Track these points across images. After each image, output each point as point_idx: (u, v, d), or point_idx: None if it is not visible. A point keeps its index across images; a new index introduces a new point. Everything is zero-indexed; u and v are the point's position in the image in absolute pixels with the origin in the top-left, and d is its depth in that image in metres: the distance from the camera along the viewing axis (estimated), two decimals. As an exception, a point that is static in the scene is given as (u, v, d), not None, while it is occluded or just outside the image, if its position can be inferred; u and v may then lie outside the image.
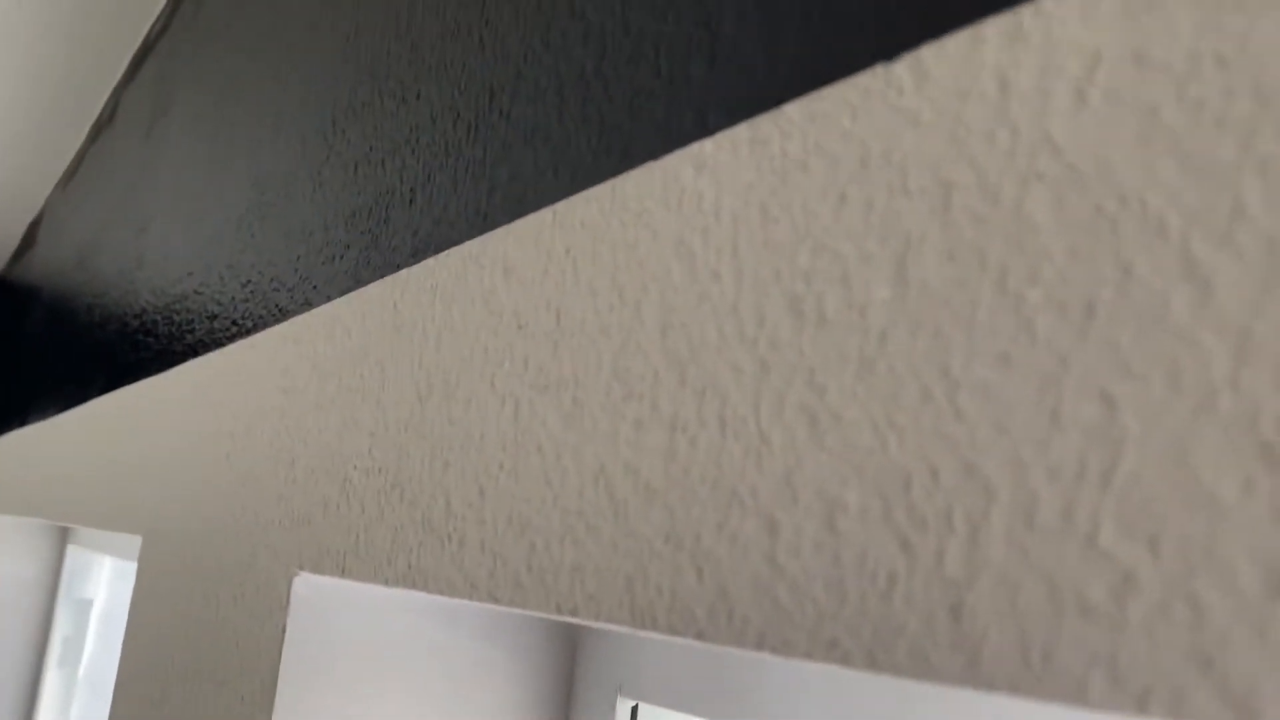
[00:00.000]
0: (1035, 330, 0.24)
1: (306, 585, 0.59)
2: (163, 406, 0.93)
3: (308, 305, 0.67)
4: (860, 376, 0.28)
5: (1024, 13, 0.26)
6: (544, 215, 0.44)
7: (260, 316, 0.74)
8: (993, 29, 0.27)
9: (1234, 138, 0.21)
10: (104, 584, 2.08)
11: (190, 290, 0.94)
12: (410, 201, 0.56)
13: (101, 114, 1.72)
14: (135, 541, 1.76)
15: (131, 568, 1.89)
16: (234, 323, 0.80)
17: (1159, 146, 0.23)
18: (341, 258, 0.63)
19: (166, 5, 1.37)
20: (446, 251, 0.51)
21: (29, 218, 2.36)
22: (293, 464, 0.63)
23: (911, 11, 0.29)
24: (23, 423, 1.78)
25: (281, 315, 0.71)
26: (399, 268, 0.56)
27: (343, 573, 0.53)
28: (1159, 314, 0.22)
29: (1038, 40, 0.26)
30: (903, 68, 0.29)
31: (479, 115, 0.52)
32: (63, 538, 2.16)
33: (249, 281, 0.79)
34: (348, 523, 0.54)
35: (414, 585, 0.46)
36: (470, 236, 0.50)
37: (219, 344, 0.82)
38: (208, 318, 0.87)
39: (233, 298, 0.82)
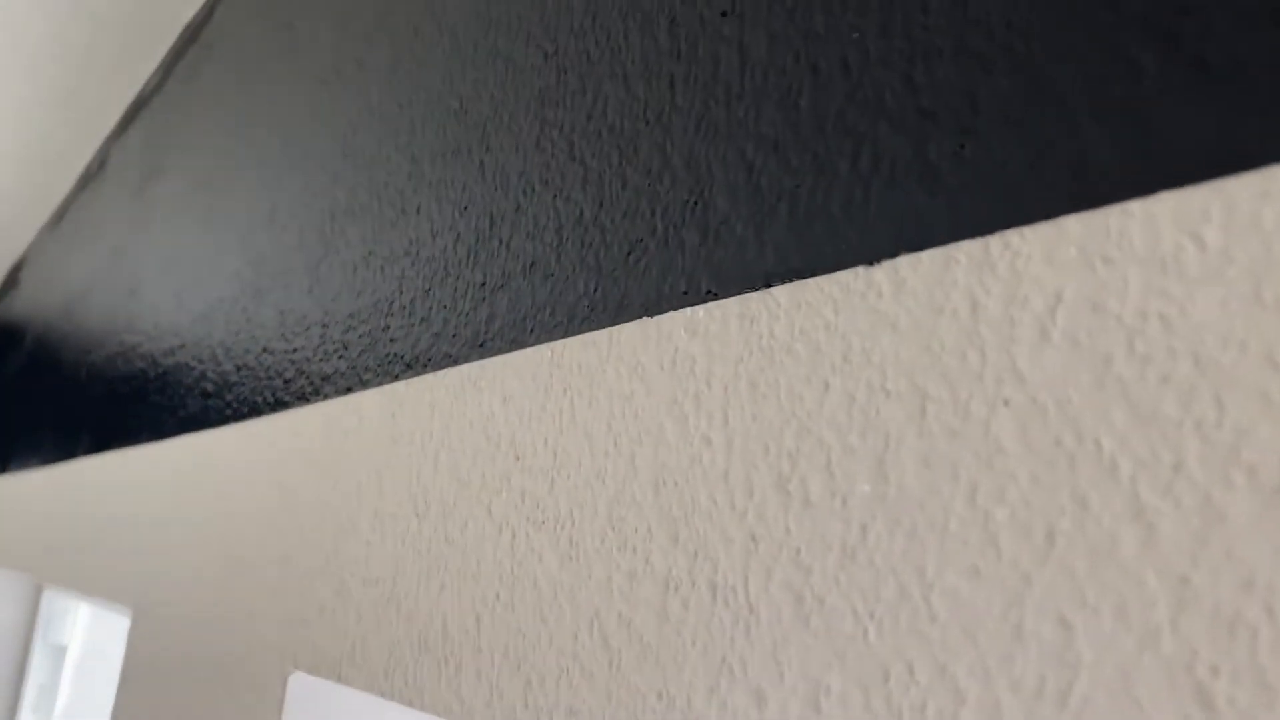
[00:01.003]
0: (1000, 548, 0.27)
1: (302, 685, 0.60)
2: (154, 478, 0.94)
3: (304, 400, 0.68)
4: (843, 564, 0.30)
5: (991, 243, 0.29)
6: (543, 351, 0.46)
7: (255, 404, 0.76)
8: (964, 252, 0.29)
9: (1175, 395, 0.24)
10: (79, 630, 2.07)
11: (184, 363, 0.96)
12: (409, 313, 0.58)
13: (90, 164, 1.74)
14: (113, 587, 1.75)
15: (108, 615, 1.89)
16: (229, 405, 0.81)
17: (1112, 392, 0.25)
18: (340, 357, 0.65)
19: (160, 66, 1.39)
20: (445, 370, 0.53)
21: (11, 259, 2.36)
22: (287, 561, 0.64)
23: (890, 222, 0.32)
24: (1, 470, 1.78)
25: (278, 406, 0.72)
26: (397, 377, 0.58)
27: (339, 678, 0.55)
28: (1110, 550, 0.24)
29: (1004, 271, 0.28)
30: (881, 273, 0.32)
31: (479, 239, 0.54)
32: (39, 585, 2.15)
33: (244, 366, 0.80)
34: (344, 628, 0.56)
35: (410, 703, 0.48)
36: (468, 358, 0.52)
37: (213, 423, 0.84)
38: (202, 395, 0.88)
39: (227, 380, 0.83)
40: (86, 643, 2.04)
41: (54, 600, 2.10)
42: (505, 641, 0.43)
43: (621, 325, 0.42)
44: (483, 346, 0.51)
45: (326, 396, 0.66)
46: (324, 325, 0.69)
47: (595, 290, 0.44)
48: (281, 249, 0.79)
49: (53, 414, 1.51)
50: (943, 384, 0.29)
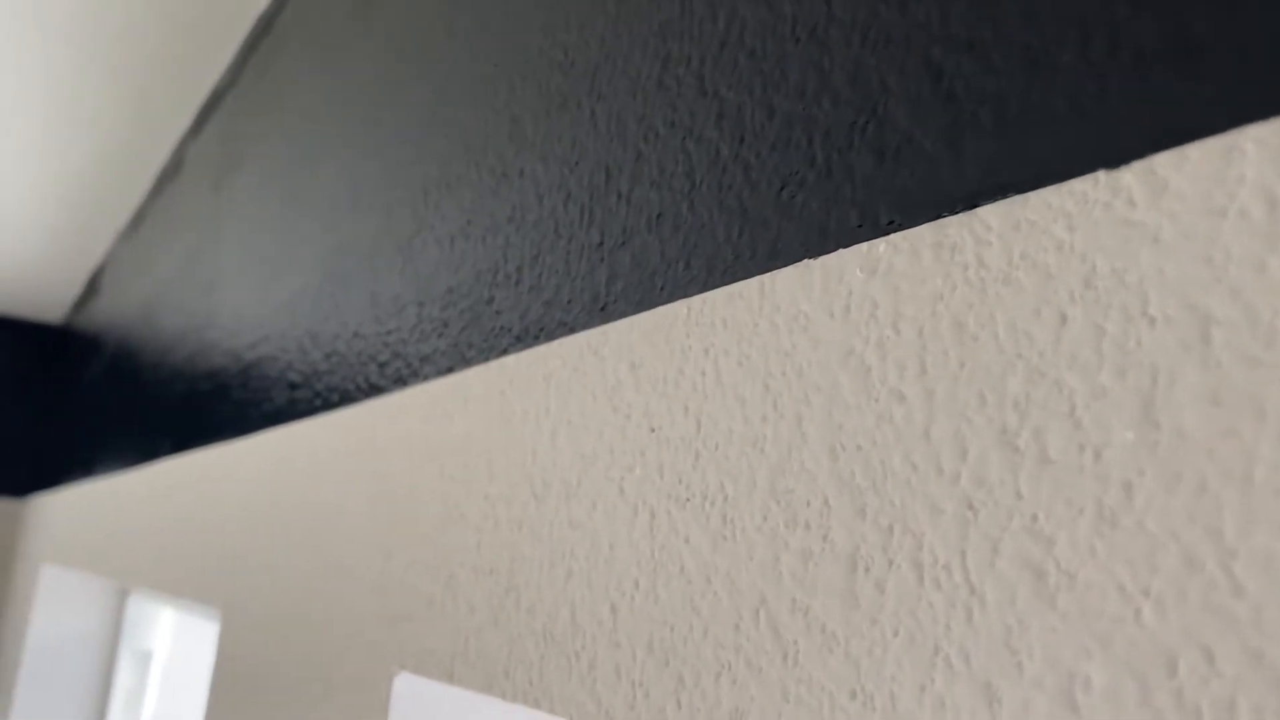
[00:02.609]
0: (1344, 500, 0.21)
1: (409, 687, 0.56)
2: (240, 476, 0.91)
3: (401, 383, 0.64)
4: (1099, 531, 0.25)
5: (1296, 123, 0.23)
6: (677, 309, 0.41)
7: (347, 391, 0.72)
8: (1252, 139, 0.24)
9: None
10: (164, 635, 2.07)
11: (267, 355, 0.93)
12: (516, 282, 0.54)
13: (167, 165, 1.73)
14: (201, 588, 1.75)
15: (192, 620, 1.89)
16: (318, 395, 0.78)
17: None
18: (440, 335, 0.61)
19: (234, 60, 1.37)
20: (560, 340, 0.48)
21: (92, 265, 2.39)
22: (389, 555, 0.60)
23: (1139, 115, 0.26)
24: (86, 475, 1.78)
25: (372, 391, 0.68)
26: (505, 352, 0.53)
27: (451, 678, 0.50)
28: None
29: (1318, 155, 0.22)
30: (1132, 176, 0.26)
31: (593, 197, 0.49)
32: (123, 590, 2.16)
33: (333, 353, 0.77)
34: (455, 624, 0.51)
35: (538, 705, 0.43)
36: (587, 325, 0.47)
37: (301, 415, 0.80)
38: (288, 386, 0.85)
39: (316, 369, 0.80)
40: (172, 648, 2.05)
41: (139, 605, 2.11)
42: (649, 634, 0.38)
43: (776, 272, 0.37)
44: (604, 310, 0.46)
45: (426, 378, 0.62)
46: (420, 304, 0.65)
47: (740, 235, 0.39)
48: (369, 230, 0.75)
49: (135, 417, 1.50)
50: (1233, 303, 0.23)
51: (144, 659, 2.08)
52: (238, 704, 0.79)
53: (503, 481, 0.50)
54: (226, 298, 1.13)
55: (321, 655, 0.65)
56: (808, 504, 0.33)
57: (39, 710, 2.04)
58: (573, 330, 0.48)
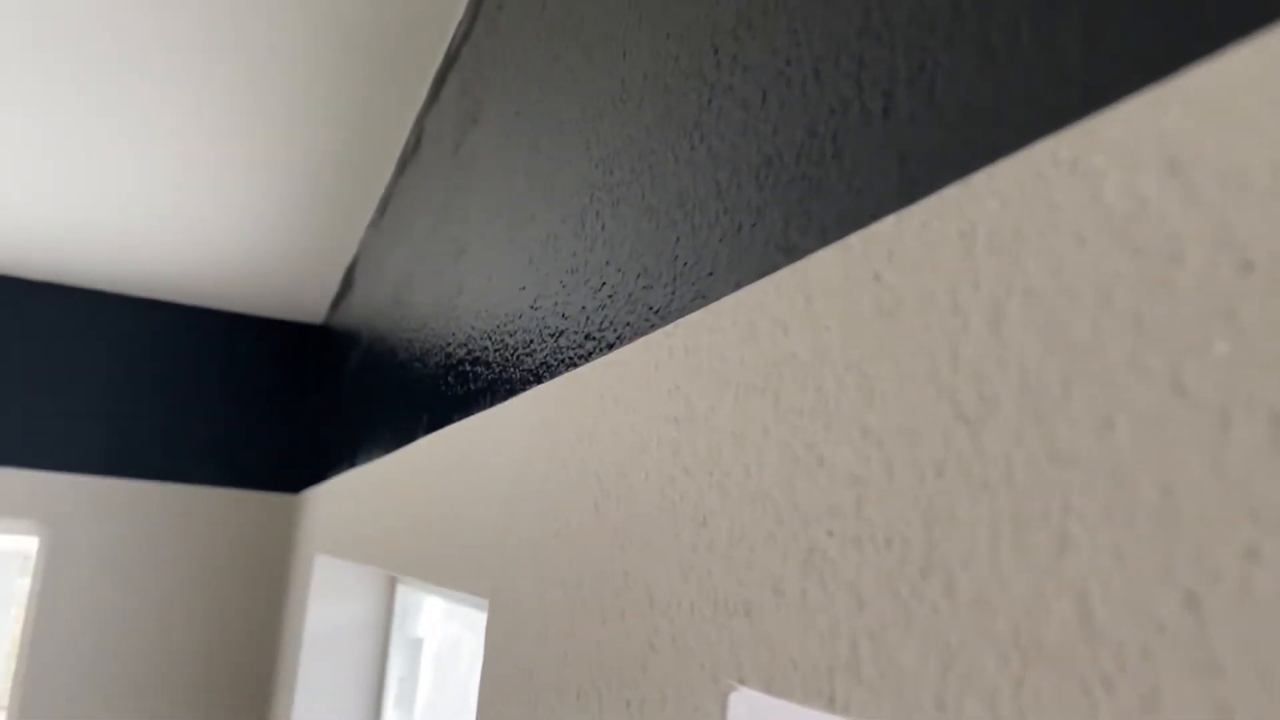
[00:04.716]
0: None
1: (751, 710, 0.40)
2: (500, 444, 0.79)
3: (702, 300, 0.48)
4: None
5: None
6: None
7: (626, 324, 0.57)
8: None
9: None
10: (433, 623, 2.06)
11: (525, 307, 0.80)
12: (884, 112, 0.36)
13: (406, 145, 1.69)
14: (467, 576, 1.70)
15: (459, 609, 1.85)
16: (588, 336, 0.64)
17: None
18: (754, 225, 0.44)
19: (465, 14, 1.28)
20: (984, 172, 0.31)
21: (346, 262, 2.43)
22: (704, 522, 0.44)
23: None
24: (351, 465, 1.77)
25: (658, 319, 0.53)
26: (874, 218, 0.36)
27: (830, 703, 0.33)
28: None
29: None
30: None
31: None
32: (392, 578, 2.17)
33: (605, 283, 0.62)
34: (828, 620, 0.34)
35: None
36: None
37: (569, 364, 0.67)
38: (551, 335, 0.72)
39: (583, 307, 0.66)
40: (442, 637, 2.03)
41: (408, 594, 2.11)
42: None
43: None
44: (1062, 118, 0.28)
45: (738, 284, 0.45)
46: (720, 192, 0.48)
47: None
48: (641, 122, 0.60)
49: (391, 402, 1.45)
50: None
51: (415, 646, 2.08)
52: (513, 706, 0.66)
53: (895, 407, 0.33)
54: (476, 258, 1.02)
55: (615, 658, 0.51)
56: None
57: (320, 695, 2.08)
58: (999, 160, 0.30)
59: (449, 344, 1.09)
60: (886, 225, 0.35)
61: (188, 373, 2.83)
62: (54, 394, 2.71)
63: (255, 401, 2.89)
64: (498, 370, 0.86)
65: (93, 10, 1.34)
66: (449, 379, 1.05)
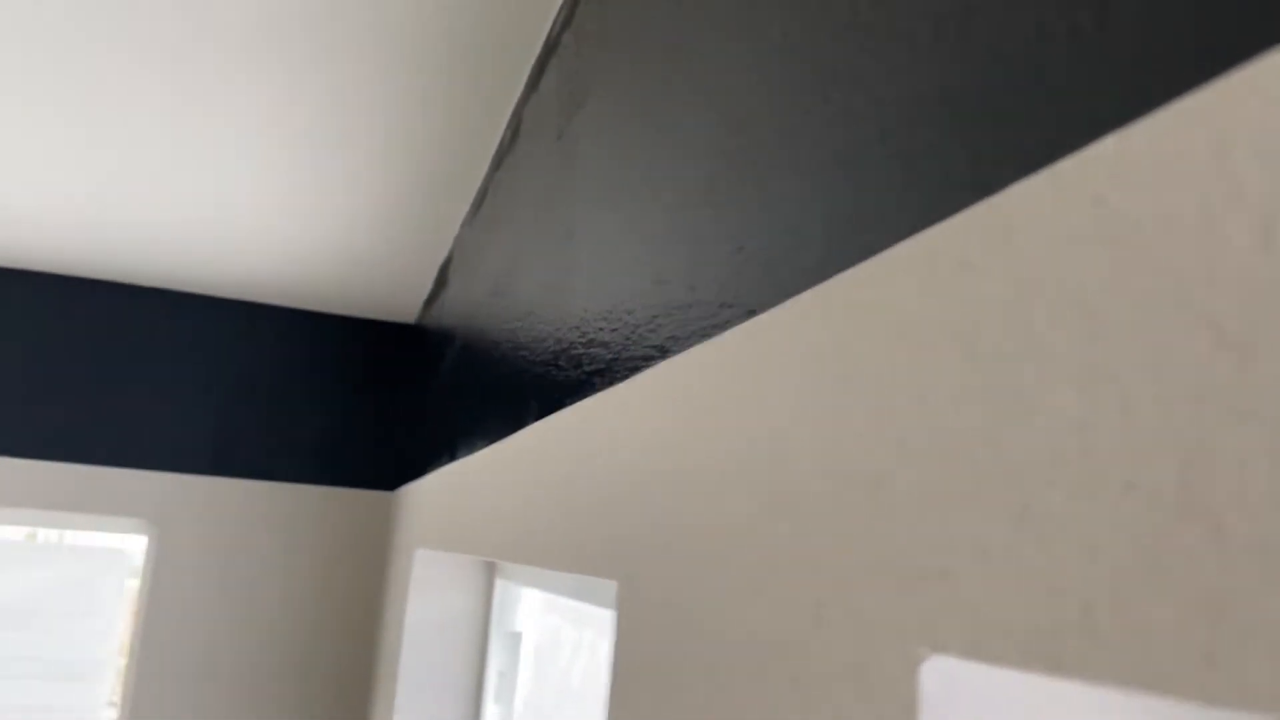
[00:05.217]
0: None
1: (944, 678, 0.37)
2: (627, 422, 0.77)
3: (865, 252, 0.46)
4: None
5: None
6: None
7: (771, 287, 0.55)
8: None
9: None
10: (531, 617, 2.06)
11: (645, 283, 0.78)
12: (1097, 26, 0.33)
13: (502, 139, 1.69)
14: (543, 574, 1.69)
15: (560, 602, 1.84)
16: (724, 305, 0.61)
17: None
18: (929, 168, 0.42)
19: (565, 2, 1.27)
20: (1239, 73, 0.27)
21: (439, 260, 2.45)
22: (879, 484, 0.41)
23: None
24: (451, 459, 1.78)
25: (809, 279, 0.51)
26: (1087, 142, 0.33)
27: (1057, 667, 0.31)
28: None
29: None
30: None
31: None
32: (490, 571, 2.18)
33: (741, 249, 0.60)
34: (1050, 579, 0.32)
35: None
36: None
37: (701, 335, 0.64)
38: (677, 308, 0.70)
39: (714, 276, 0.64)
40: (540, 630, 2.03)
41: (507, 588, 2.12)
42: None
43: None
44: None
45: (913, 229, 0.43)
46: (882, 134, 0.46)
47: None
48: (780, 75, 0.58)
49: (495, 391, 1.45)
50: None
51: (514, 640, 2.08)
52: (651, 693, 0.64)
53: (1131, 338, 0.30)
54: (587, 237, 1.01)
55: (776, 633, 0.48)
56: None
57: (421, 688, 2.09)
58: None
59: (559, 329, 1.07)
60: (1106, 146, 0.32)
61: (287, 374, 2.89)
62: (161, 396, 2.79)
63: (350, 401, 2.93)
64: (617, 350, 0.84)
65: (190, 14, 1.36)
66: (560, 364, 1.04)
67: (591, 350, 0.92)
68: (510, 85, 1.53)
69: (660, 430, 0.68)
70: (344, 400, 2.93)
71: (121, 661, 2.90)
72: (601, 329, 0.90)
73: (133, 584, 2.83)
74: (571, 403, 0.96)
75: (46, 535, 2.89)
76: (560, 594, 1.57)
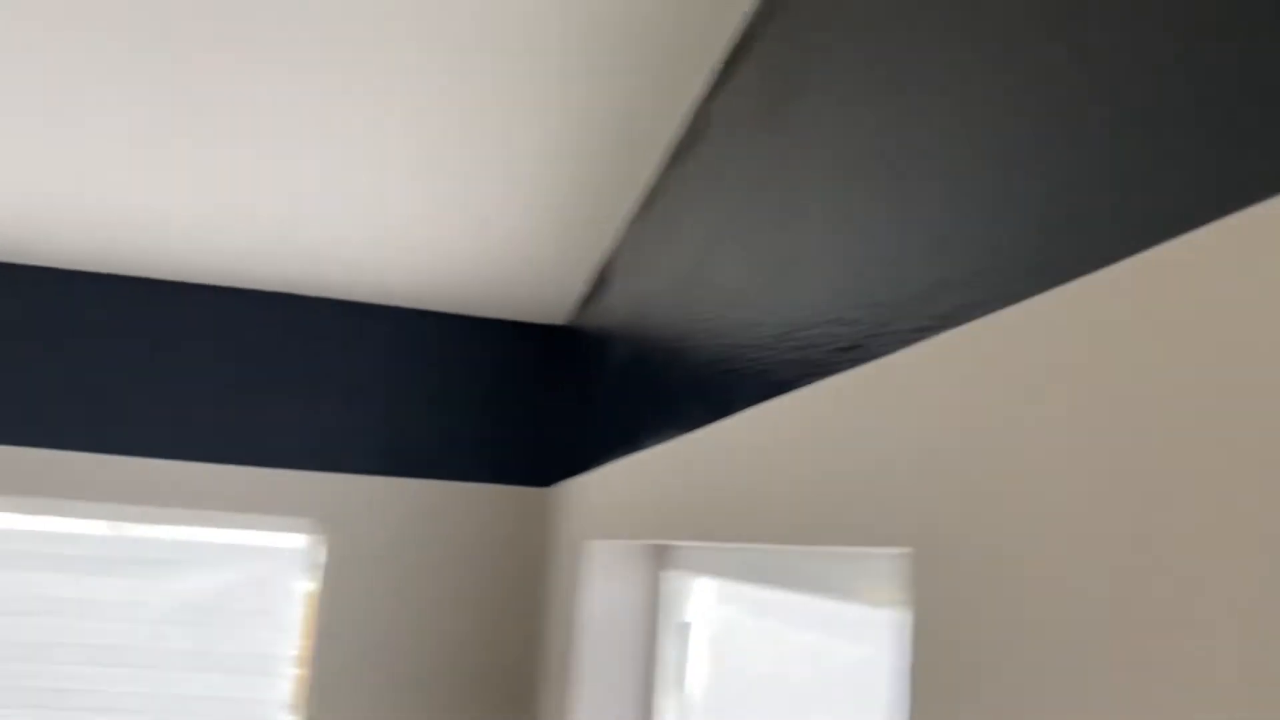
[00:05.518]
0: None
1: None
2: (926, 387, 0.79)
3: (1200, 220, 0.47)
4: None
5: None
6: None
7: (1079, 254, 0.57)
8: None
9: None
10: (700, 607, 2.10)
11: (914, 256, 0.80)
12: None
13: (682, 135, 1.73)
14: (725, 561, 1.72)
15: (736, 590, 1.87)
16: (1029, 271, 0.63)
17: None
18: (1231, 159, 0.43)
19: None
20: None
21: (593, 262, 2.51)
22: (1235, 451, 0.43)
23: None
24: (632, 449, 1.83)
25: (1131, 245, 0.52)
26: None
27: None
28: None
29: None
30: None
31: None
32: (655, 563, 2.22)
33: (1051, 213, 0.62)
34: None
35: None
36: None
37: (981, 309, 0.66)
38: (967, 277, 0.72)
39: (1017, 242, 0.66)
40: (709, 620, 2.06)
41: (673, 579, 2.16)
42: None
43: None
44: None
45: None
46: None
47: None
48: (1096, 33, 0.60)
49: (662, 393, 1.49)
50: None
51: (683, 630, 2.12)
52: (984, 679, 0.66)
53: None
54: (813, 228, 1.04)
55: (1147, 611, 0.50)
56: None
57: (596, 679, 2.15)
58: None
59: (781, 312, 1.10)
60: None
61: (445, 377, 3.01)
62: (330, 400, 2.93)
63: (505, 401, 3.03)
64: (867, 329, 0.86)
65: (358, 20, 1.44)
66: (786, 345, 1.07)
67: (836, 329, 0.95)
68: (686, 83, 1.57)
69: (965, 394, 0.70)
70: (499, 401, 3.03)
71: (298, 655, 3.04)
72: (841, 314, 0.92)
73: (307, 582, 2.97)
74: (803, 385, 0.99)
75: (226, 536, 3.05)
76: (745, 581, 1.60)
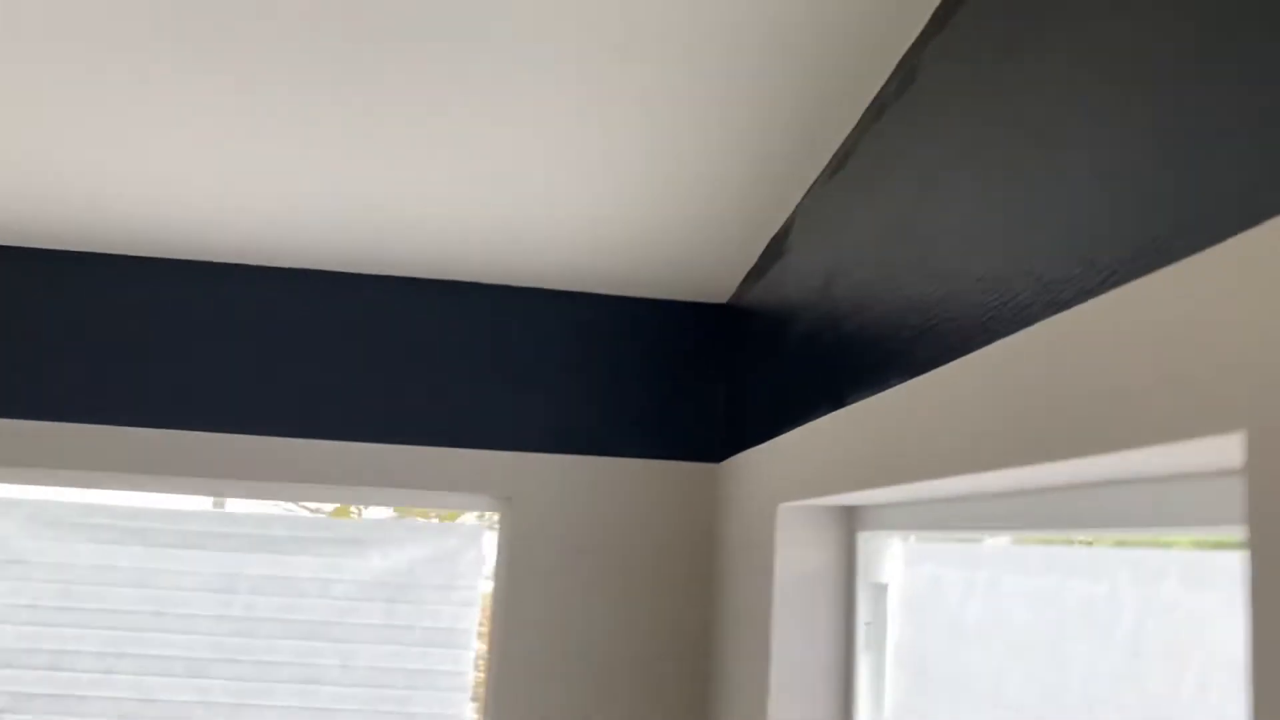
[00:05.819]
0: None
1: None
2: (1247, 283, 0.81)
3: None
4: None
5: None
6: None
7: None
8: None
9: None
10: (895, 568, 2.12)
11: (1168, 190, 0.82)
12: None
13: (885, 88, 1.76)
14: (921, 517, 1.73)
15: (932, 549, 1.89)
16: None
17: None
18: None
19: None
20: None
21: (764, 237, 2.55)
22: None
23: None
24: (830, 409, 1.86)
25: None
26: None
27: None
28: None
29: None
30: None
31: None
32: (849, 526, 2.25)
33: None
34: None
35: None
36: None
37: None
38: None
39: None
40: (905, 580, 2.08)
41: (869, 540, 2.18)
42: None
43: None
44: None
45: None
46: None
47: None
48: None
49: (879, 342, 1.52)
50: None
51: (879, 591, 2.15)
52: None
53: None
54: (1064, 159, 1.06)
55: None
56: None
57: (792, 642, 2.19)
58: None
59: (1004, 263, 1.12)
60: None
61: (614, 357, 3.10)
62: (505, 382, 3.06)
63: (672, 379, 3.10)
64: (1130, 257, 0.88)
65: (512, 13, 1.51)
66: (1001, 293, 1.09)
67: (1091, 259, 0.97)
68: (889, 38, 1.59)
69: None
70: (667, 379, 3.10)
71: (483, 628, 3.18)
72: (1108, 237, 0.94)
73: (488, 558, 3.10)
74: (1041, 318, 1.01)
75: (413, 513, 3.20)
76: (928, 541, 1.61)
